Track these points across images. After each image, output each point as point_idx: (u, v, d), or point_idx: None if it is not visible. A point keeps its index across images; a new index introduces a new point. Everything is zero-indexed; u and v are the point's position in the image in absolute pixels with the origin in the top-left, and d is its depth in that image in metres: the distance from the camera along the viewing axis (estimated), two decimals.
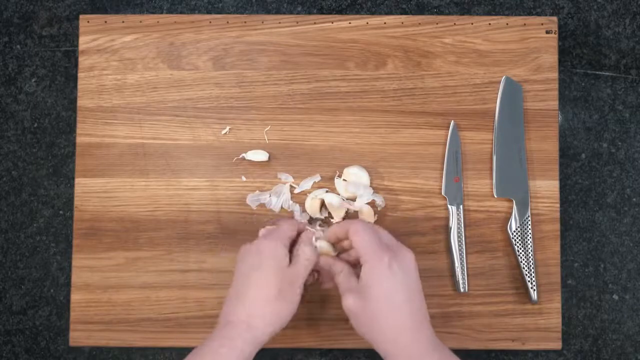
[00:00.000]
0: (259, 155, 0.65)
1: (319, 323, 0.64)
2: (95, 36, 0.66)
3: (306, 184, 0.65)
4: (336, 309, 0.63)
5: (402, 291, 0.53)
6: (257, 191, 0.65)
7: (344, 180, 0.64)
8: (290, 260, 0.57)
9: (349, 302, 0.54)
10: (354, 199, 0.64)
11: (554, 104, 0.66)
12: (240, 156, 0.65)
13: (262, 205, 0.65)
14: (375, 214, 0.64)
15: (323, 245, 0.59)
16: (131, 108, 0.66)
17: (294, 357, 0.67)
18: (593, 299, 0.67)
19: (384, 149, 0.66)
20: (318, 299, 0.64)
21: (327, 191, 0.64)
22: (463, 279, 0.63)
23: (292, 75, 0.66)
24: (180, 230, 0.65)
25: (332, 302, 0.64)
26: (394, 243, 0.56)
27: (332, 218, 0.64)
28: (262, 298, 0.55)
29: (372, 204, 0.64)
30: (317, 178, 0.65)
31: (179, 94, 0.66)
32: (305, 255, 0.57)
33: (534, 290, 0.63)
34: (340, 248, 0.60)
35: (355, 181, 0.64)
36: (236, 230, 0.65)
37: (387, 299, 0.53)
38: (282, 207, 0.64)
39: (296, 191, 0.65)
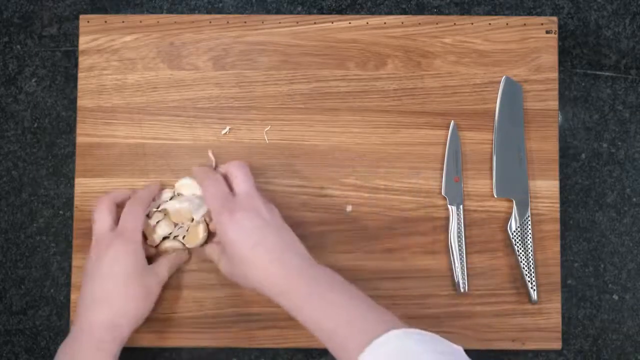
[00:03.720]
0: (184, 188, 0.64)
1: None
2: (95, 36, 0.66)
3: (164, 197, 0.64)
4: None
5: (251, 236, 0.54)
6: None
7: (178, 194, 0.64)
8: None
9: (222, 268, 0.58)
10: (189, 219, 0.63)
11: (554, 104, 0.66)
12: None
13: None
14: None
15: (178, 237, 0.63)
16: (131, 108, 0.66)
17: (294, 357, 0.67)
18: (593, 299, 0.67)
19: (384, 149, 0.66)
20: None
21: (172, 197, 0.64)
22: (463, 279, 0.63)
23: (292, 75, 0.66)
24: None
25: None
26: (243, 191, 0.57)
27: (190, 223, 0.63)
28: (125, 299, 0.56)
29: None
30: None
31: (179, 94, 0.66)
32: (165, 265, 0.61)
33: (534, 290, 0.63)
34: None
35: (188, 196, 0.63)
36: None
37: (239, 247, 0.54)
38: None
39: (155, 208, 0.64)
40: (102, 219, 0.59)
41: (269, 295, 0.54)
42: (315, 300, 0.52)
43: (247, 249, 0.54)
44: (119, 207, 0.61)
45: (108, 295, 0.56)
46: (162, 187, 0.64)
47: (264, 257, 0.54)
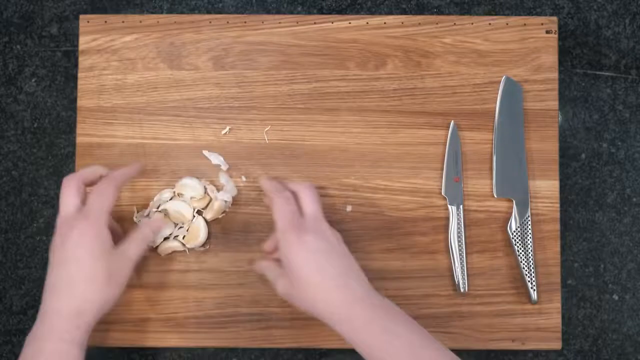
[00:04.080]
0: (214, 158, 0.65)
1: (319, 323, 0.64)
2: (95, 36, 0.66)
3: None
4: None
5: (318, 260, 0.54)
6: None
7: (178, 194, 0.64)
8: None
9: (280, 288, 0.56)
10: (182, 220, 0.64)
11: (554, 104, 0.66)
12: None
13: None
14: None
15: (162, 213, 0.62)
16: (131, 108, 0.66)
17: (294, 357, 0.67)
18: (593, 299, 0.67)
19: (384, 149, 0.66)
20: None
21: (172, 197, 0.64)
22: (463, 279, 0.63)
23: (292, 75, 0.66)
24: None
25: None
26: (311, 213, 0.56)
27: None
28: (89, 285, 0.54)
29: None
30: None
31: (179, 94, 0.66)
32: (139, 238, 0.58)
33: (534, 290, 0.63)
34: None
35: (186, 198, 0.64)
36: (232, 230, 0.65)
37: (304, 269, 0.53)
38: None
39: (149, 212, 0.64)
40: (67, 201, 0.56)
41: (327, 320, 0.53)
42: (376, 329, 0.51)
43: (312, 273, 0.53)
44: (89, 187, 0.58)
45: (71, 280, 0.54)
46: (141, 169, 0.62)
47: (329, 283, 0.53)
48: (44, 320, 0.53)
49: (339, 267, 0.54)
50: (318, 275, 0.53)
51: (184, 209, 0.63)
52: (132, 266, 0.57)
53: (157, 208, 0.63)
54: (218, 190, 0.64)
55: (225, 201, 0.64)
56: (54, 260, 0.55)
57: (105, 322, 0.64)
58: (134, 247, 0.58)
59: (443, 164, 0.65)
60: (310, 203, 0.57)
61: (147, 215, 0.63)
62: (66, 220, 0.55)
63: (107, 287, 0.55)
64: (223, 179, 0.64)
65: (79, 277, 0.54)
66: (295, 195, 0.58)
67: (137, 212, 0.64)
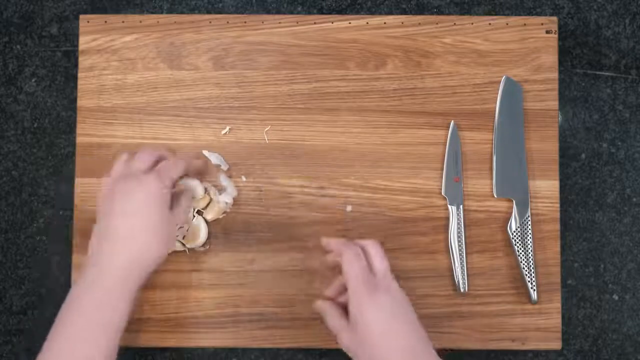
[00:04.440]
0: (214, 158, 0.65)
1: (319, 323, 0.64)
2: (95, 36, 0.66)
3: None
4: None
5: (388, 321, 0.54)
6: None
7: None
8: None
9: (344, 341, 0.55)
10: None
11: (554, 104, 0.66)
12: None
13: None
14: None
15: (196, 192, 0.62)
16: (131, 108, 0.66)
17: (294, 357, 0.67)
18: (593, 299, 0.67)
19: (384, 149, 0.66)
20: (318, 299, 0.64)
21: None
22: (463, 279, 0.63)
23: (292, 75, 0.66)
24: None
25: None
26: (382, 271, 0.56)
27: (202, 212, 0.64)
28: (151, 237, 0.55)
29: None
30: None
31: (179, 94, 0.66)
32: (185, 204, 0.60)
33: (534, 290, 0.63)
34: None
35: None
36: (232, 230, 0.65)
37: (375, 329, 0.53)
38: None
39: None
40: (143, 157, 0.58)
41: None
42: None
43: (382, 333, 0.53)
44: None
45: (132, 231, 0.55)
46: (206, 166, 0.64)
47: (397, 345, 0.53)
48: (101, 272, 0.54)
49: (409, 331, 0.54)
50: (386, 337, 0.53)
51: (198, 187, 0.63)
52: (178, 229, 0.60)
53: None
54: (219, 191, 0.64)
55: (227, 202, 0.64)
56: (111, 209, 0.56)
57: None
58: (178, 213, 0.59)
59: (443, 164, 0.65)
60: (380, 260, 0.57)
61: None
62: (136, 175, 0.57)
63: (163, 245, 0.56)
64: (223, 180, 0.64)
65: (141, 229, 0.55)
66: (364, 251, 0.58)
67: None
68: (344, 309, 0.57)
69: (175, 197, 0.59)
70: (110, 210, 0.56)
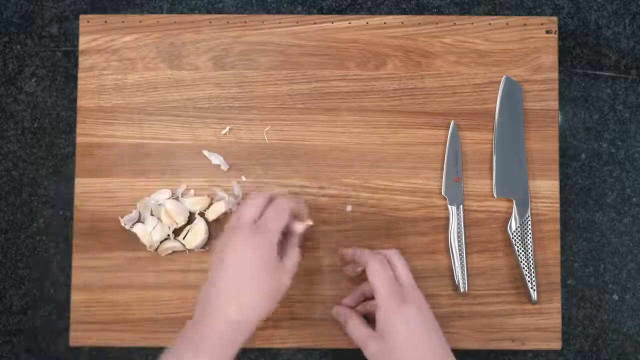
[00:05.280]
0: (214, 158, 0.65)
1: (319, 323, 0.64)
2: (95, 36, 0.66)
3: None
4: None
5: (416, 332, 0.54)
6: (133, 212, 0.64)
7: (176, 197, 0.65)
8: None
9: (371, 349, 0.55)
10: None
11: (554, 104, 0.66)
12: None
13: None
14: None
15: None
16: (131, 108, 0.66)
17: (294, 357, 0.67)
18: (593, 299, 0.67)
19: (384, 149, 0.66)
20: (318, 299, 0.64)
21: (169, 197, 0.64)
22: (463, 279, 0.63)
23: (292, 75, 0.66)
24: None
25: (332, 302, 0.64)
26: (408, 282, 0.57)
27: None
28: (256, 294, 0.54)
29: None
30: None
31: (179, 94, 0.66)
32: (295, 256, 0.58)
33: (534, 290, 0.63)
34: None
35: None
36: None
37: (404, 340, 0.54)
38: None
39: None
40: (252, 211, 0.57)
41: None
42: None
43: (410, 344, 0.54)
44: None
45: (240, 290, 0.54)
46: (304, 209, 0.62)
47: (425, 354, 0.54)
48: (210, 330, 0.53)
49: (436, 342, 0.55)
50: (415, 348, 0.54)
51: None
52: (292, 276, 0.57)
53: (151, 212, 0.64)
54: (235, 198, 0.64)
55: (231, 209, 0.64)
56: (222, 265, 0.55)
57: (105, 322, 0.64)
58: (291, 257, 0.58)
59: (443, 164, 0.65)
60: (405, 272, 0.58)
61: (139, 221, 0.63)
62: (245, 227, 0.56)
63: (269, 300, 0.55)
64: (236, 189, 0.64)
65: (248, 288, 0.54)
66: (388, 261, 0.58)
67: (122, 217, 0.64)
68: (364, 317, 0.59)
69: (283, 246, 0.58)
70: (219, 264, 0.55)
